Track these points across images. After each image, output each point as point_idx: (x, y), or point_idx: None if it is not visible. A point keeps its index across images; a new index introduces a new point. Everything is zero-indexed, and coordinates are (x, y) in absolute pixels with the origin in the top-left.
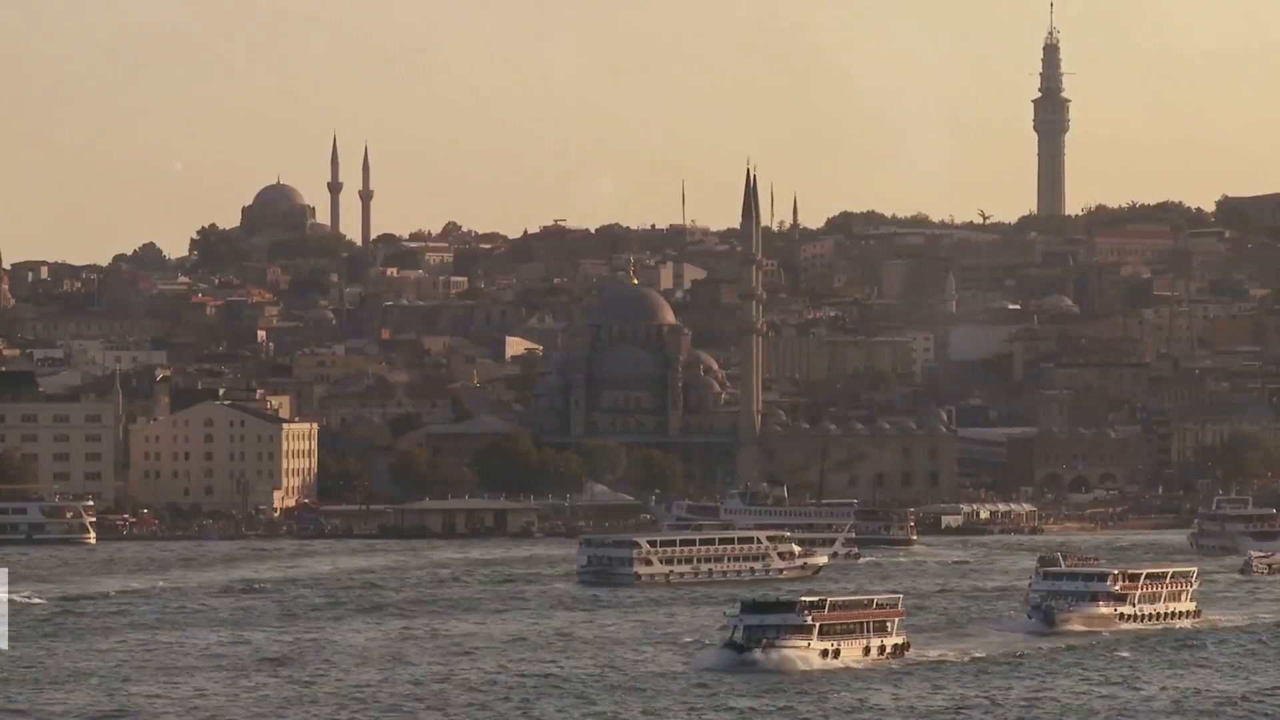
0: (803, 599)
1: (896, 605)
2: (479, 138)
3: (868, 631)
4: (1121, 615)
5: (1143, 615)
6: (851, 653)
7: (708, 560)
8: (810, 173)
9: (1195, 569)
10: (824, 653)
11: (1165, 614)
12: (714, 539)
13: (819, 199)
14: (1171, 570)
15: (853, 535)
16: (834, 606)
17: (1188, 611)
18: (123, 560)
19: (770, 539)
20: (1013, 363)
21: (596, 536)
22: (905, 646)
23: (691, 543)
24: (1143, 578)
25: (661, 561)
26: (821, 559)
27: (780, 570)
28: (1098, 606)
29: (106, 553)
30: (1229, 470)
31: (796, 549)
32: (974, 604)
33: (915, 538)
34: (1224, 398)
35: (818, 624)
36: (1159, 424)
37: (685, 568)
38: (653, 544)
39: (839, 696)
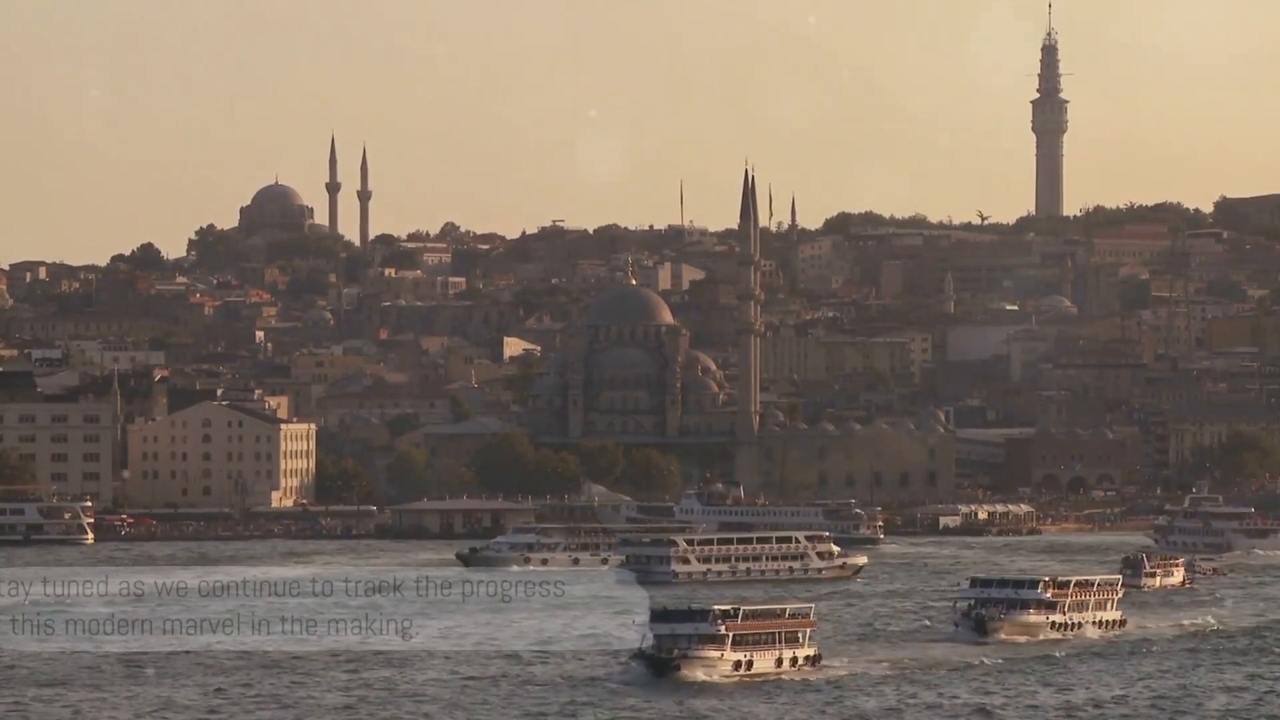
0: (715, 607)
1: (808, 615)
2: (477, 138)
3: (780, 642)
4: (1053, 624)
5: (1072, 624)
6: (764, 664)
7: (745, 559)
8: (808, 173)
9: (1120, 577)
10: (737, 664)
11: (1091, 622)
12: (752, 538)
13: (817, 199)
14: (1099, 578)
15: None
16: (747, 615)
17: (1114, 620)
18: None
19: (809, 538)
20: (1010, 363)
21: (635, 537)
22: (817, 658)
23: (729, 542)
24: (1072, 585)
25: (699, 560)
26: (862, 558)
27: (819, 570)
28: (1028, 614)
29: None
30: (1227, 471)
31: (835, 549)
32: (909, 611)
33: (882, 537)
34: (1222, 398)
35: (731, 633)
36: (1157, 425)
37: (723, 566)
38: (690, 543)
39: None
